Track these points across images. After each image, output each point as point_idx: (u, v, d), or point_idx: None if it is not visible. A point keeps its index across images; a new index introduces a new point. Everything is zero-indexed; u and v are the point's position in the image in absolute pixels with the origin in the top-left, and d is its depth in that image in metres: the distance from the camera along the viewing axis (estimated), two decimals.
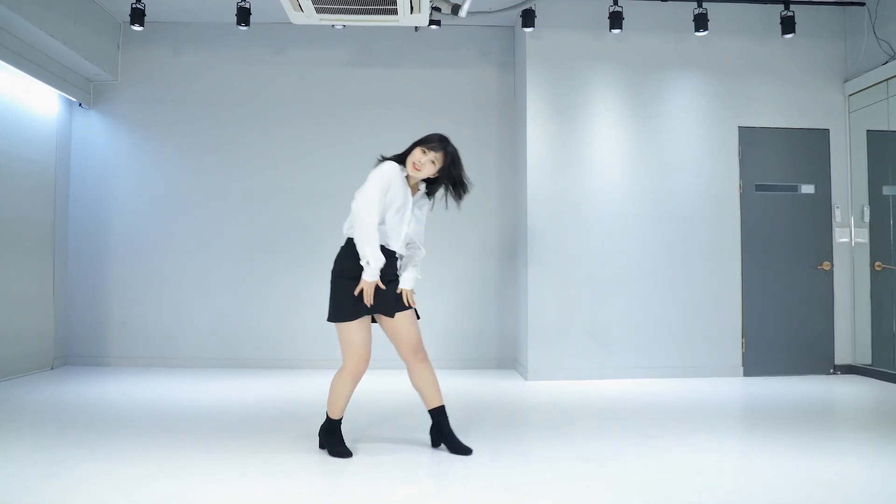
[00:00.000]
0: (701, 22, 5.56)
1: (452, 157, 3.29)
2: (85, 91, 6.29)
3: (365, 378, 3.33)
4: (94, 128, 6.39)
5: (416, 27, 6.25)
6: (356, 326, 3.18)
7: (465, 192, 3.42)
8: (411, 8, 4.79)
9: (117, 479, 2.85)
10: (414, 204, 3.34)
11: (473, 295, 6.33)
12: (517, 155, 6.23)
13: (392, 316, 3.24)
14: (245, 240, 6.31)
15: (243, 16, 5.52)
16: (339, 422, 3.32)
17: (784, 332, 5.90)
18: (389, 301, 3.23)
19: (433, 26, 5.63)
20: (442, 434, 3.36)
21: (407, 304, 3.30)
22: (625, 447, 3.48)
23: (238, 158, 6.36)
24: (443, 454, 3.32)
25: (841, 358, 5.94)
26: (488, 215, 6.37)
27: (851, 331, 5.96)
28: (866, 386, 5.40)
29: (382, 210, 3.17)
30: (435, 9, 5.07)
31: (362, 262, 3.11)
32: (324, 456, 3.27)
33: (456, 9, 4.89)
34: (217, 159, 6.36)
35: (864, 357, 5.93)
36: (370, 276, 3.11)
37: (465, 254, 6.34)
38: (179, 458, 3.19)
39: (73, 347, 6.28)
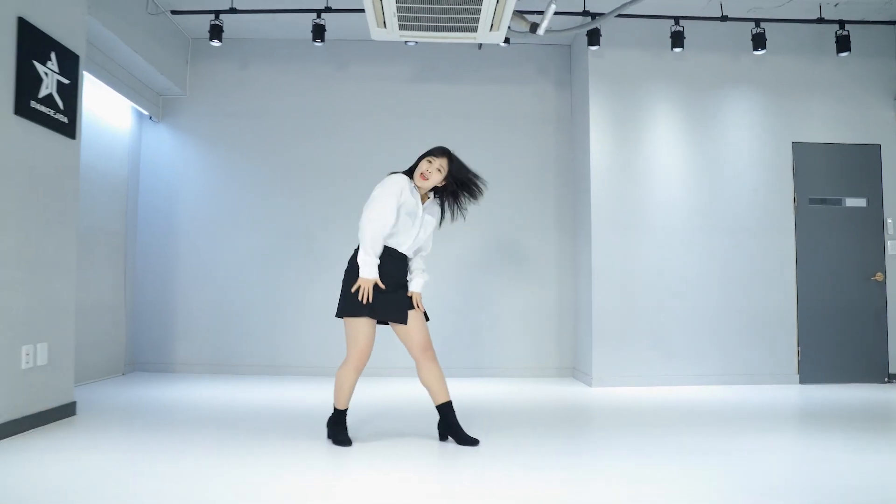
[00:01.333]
0: (759, 41, 5.72)
1: (456, 162, 3.54)
2: (155, 105, 6.44)
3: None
4: (162, 140, 6.53)
5: (479, 45, 6.42)
6: (363, 323, 3.42)
7: (477, 190, 3.64)
8: (491, 26, 4.94)
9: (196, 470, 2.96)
10: (424, 211, 3.56)
11: (533, 305, 6.44)
12: (578, 169, 6.36)
13: (405, 323, 3.49)
14: (308, 250, 6.43)
15: (318, 32, 5.67)
16: (344, 412, 3.56)
17: (839, 341, 6.02)
18: (402, 306, 3.49)
19: (503, 44, 5.77)
20: (449, 427, 3.57)
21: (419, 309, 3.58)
22: (706, 447, 3.59)
23: (301, 171, 6.50)
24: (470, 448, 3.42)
25: None
26: (546, 226, 6.51)
27: None
28: None
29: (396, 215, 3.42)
30: (510, 28, 5.22)
31: (359, 259, 3.40)
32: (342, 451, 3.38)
33: (534, 27, 5.04)
34: (280, 172, 6.49)
35: None
36: (367, 273, 3.37)
37: (524, 265, 6.47)
38: (240, 453, 3.30)
39: (142, 354, 6.38)
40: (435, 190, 3.63)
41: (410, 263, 3.66)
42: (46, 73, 3.91)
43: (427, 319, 3.61)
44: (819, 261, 6.06)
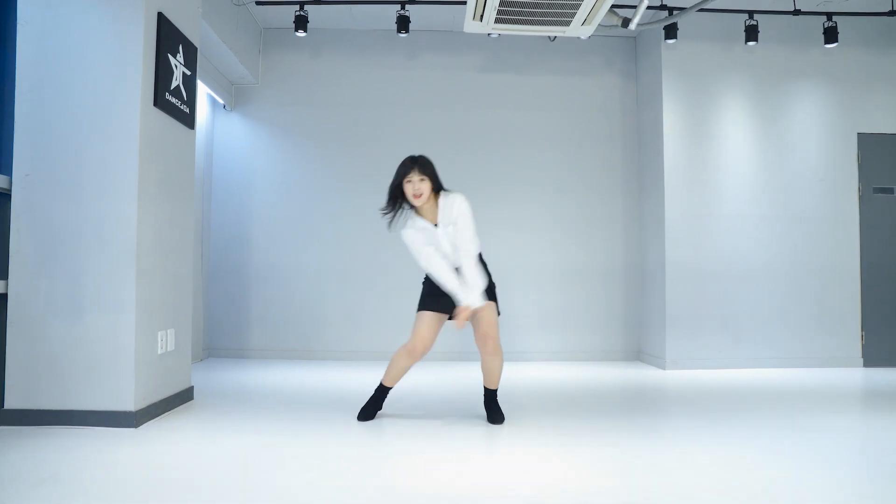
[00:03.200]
0: (831, 35, 5.82)
1: (428, 164, 3.59)
2: (228, 93, 6.47)
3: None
4: (235, 129, 6.57)
5: (552, 37, 6.49)
6: (427, 316, 3.64)
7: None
8: (584, 20, 5.01)
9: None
10: (444, 223, 3.58)
11: (600, 289, 6.56)
12: (648, 160, 6.46)
13: (449, 314, 3.69)
14: (379, 240, 6.49)
15: (403, 24, 5.72)
16: (387, 390, 3.80)
17: None
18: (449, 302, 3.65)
19: (584, 37, 5.83)
20: (489, 406, 3.75)
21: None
22: (743, 434, 3.72)
23: (371, 159, 6.56)
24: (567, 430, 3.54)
25: None
26: (613, 211, 6.62)
27: None
28: None
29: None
30: (601, 24, 5.29)
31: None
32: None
33: (626, 22, 5.11)
34: (351, 160, 6.55)
35: None
36: (465, 301, 3.51)
37: (590, 249, 6.58)
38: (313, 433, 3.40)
39: (219, 340, 6.46)
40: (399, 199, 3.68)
41: (462, 271, 3.61)
42: (176, 66, 3.96)
43: (498, 314, 3.68)
44: (883, 249, 6.20)
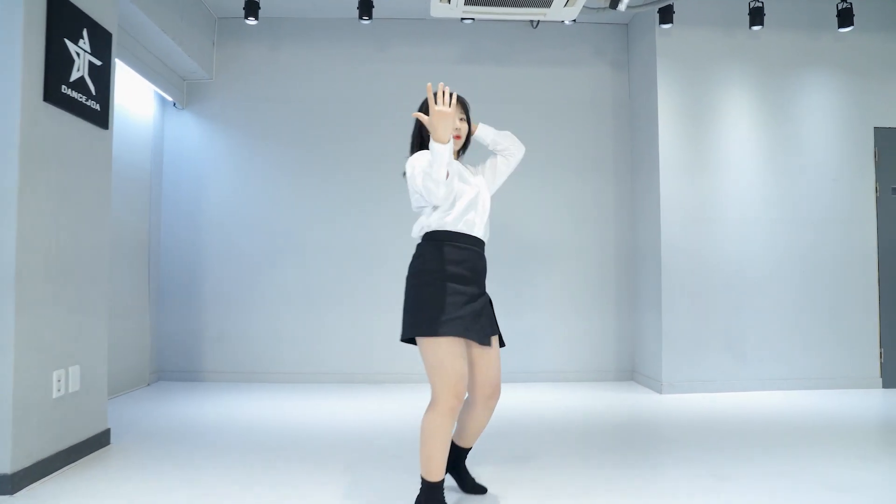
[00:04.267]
0: (846, 17, 5.15)
1: (467, 104, 2.79)
2: (179, 90, 5.81)
3: None
4: (187, 129, 5.91)
5: (534, 23, 5.82)
6: (453, 346, 2.39)
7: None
8: (566, 1, 4.35)
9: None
10: (471, 172, 2.74)
11: (590, 305, 5.90)
12: (642, 157, 5.79)
13: (488, 344, 2.55)
14: (346, 248, 5.85)
15: (366, 8, 5.06)
16: (440, 486, 2.41)
17: None
18: (486, 322, 2.53)
19: (568, 22, 5.18)
20: (457, 469, 2.83)
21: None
22: (748, 468, 3.06)
23: (340, 160, 5.90)
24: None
25: None
26: (605, 220, 5.95)
27: None
28: None
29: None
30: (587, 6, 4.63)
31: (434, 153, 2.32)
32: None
33: (615, 3, 4.44)
34: (317, 161, 5.89)
35: None
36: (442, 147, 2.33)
37: (580, 262, 5.91)
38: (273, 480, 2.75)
39: (169, 362, 5.80)
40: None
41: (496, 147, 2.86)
42: (78, 54, 3.31)
43: (502, 345, 2.71)
44: None
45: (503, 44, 5.99)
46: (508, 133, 2.89)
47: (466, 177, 2.64)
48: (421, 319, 2.42)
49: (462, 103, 2.73)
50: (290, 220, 5.85)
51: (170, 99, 5.72)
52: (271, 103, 5.91)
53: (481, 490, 2.83)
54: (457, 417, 2.48)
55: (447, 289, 2.45)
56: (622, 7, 4.42)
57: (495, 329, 2.64)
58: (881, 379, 5.45)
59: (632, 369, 5.89)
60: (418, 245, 2.62)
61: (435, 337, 2.38)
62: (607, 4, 4.50)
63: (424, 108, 2.61)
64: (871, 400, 5.03)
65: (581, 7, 4.44)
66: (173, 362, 5.79)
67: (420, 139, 2.71)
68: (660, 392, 5.28)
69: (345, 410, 4.64)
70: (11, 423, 2.85)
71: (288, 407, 4.74)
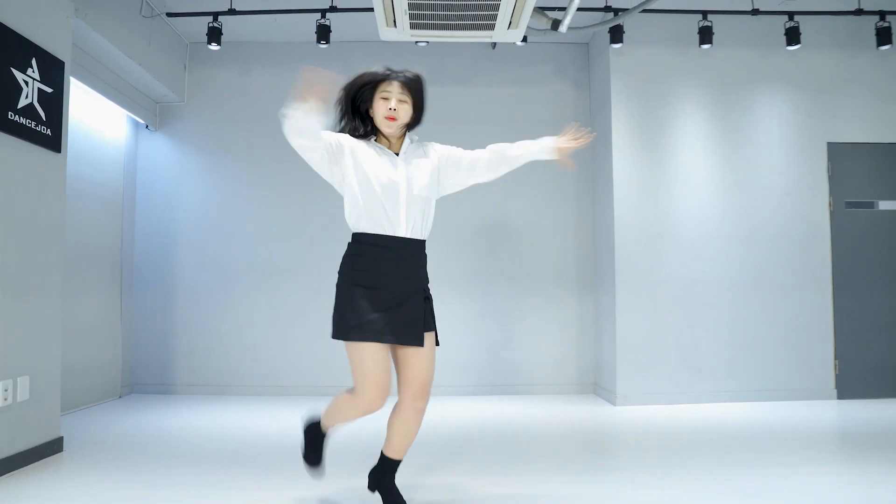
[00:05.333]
0: (793, 36, 5.31)
1: (418, 84, 2.68)
2: (151, 113, 6.07)
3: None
4: (159, 151, 6.16)
5: (493, 44, 6.03)
6: (370, 350, 2.45)
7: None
8: (509, 24, 4.55)
9: None
10: (411, 157, 2.65)
11: (551, 320, 6.05)
12: (599, 175, 5.97)
13: (421, 345, 2.52)
14: (312, 265, 6.05)
15: (323, 33, 5.29)
16: (325, 435, 2.82)
17: (879, 353, 5.61)
18: (416, 323, 2.51)
19: (520, 43, 5.37)
20: (384, 486, 2.71)
21: (424, 332, 2.55)
22: (727, 474, 3.19)
23: (307, 181, 6.09)
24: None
25: None
26: (565, 238, 6.12)
27: None
28: None
29: (354, 195, 2.56)
30: (530, 27, 4.83)
31: (288, 112, 2.47)
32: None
33: (556, 24, 4.64)
34: (286, 182, 6.12)
35: None
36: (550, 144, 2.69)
37: (542, 279, 6.07)
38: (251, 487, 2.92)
39: (140, 376, 6.01)
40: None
41: (509, 153, 2.85)
42: (26, 82, 3.54)
43: (437, 344, 2.66)
44: (857, 268, 5.65)
45: (466, 64, 6.20)
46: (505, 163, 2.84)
47: (384, 170, 2.55)
48: (335, 322, 2.52)
49: (408, 82, 2.62)
50: (259, 238, 6.07)
51: (142, 122, 5.97)
52: (241, 125, 6.15)
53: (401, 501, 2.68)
54: (367, 415, 2.54)
55: (356, 293, 2.48)
56: (563, 29, 4.62)
57: (427, 326, 2.56)
58: (836, 391, 5.55)
59: (593, 382, 6.02)
60: (350, 242, 2.63)
61: (352, 341, 2.45)
62: (549, 27, 4.70)
63: (358, 88, 2.63)
64: (826, 411, 5.13)
65: (524, 29, 4.64)
66: (146, 376, 6.00)
67: (353, 111, 2.65)
68: (614, 404, 5.41)
69: (283, 421, 4.82)
70: None
71: (252, 417, 4.92)
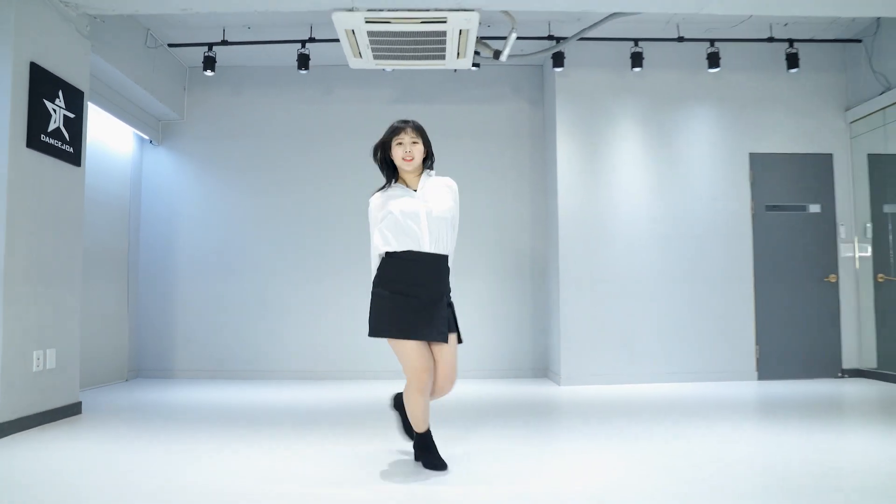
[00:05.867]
0: (714, 60, 6.20)
1: (422, 128, 3.26)
2: (155, 129, 6.99)
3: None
4: (162, 163, 7.08)
5: (454, 69, 6.93)
6: (409, 344, 3.07)
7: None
8: (458, 54, 5.46)
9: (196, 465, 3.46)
10: (427, 193, 3.18)
11: (510, 310, 6.92)
12: (548, 183, 6.85)
13: (445, 341, 3.11)
14: (298, 263, 6.94)
15: (303, 61, 6.20)
16: (427, 434, 3.26)
17: (795, 339, 6.46)
18: (440, 322, 3.09)
19: (473, 68, 6.25)
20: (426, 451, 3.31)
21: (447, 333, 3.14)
22: (650, 433, 4.04)
23: (291, 188, 7.02)
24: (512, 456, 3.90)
25: (848, 363, 6.49)
26: (523, 237, 6.99)
27: (857, 337, 6.51)
28: (872, 387, 5.92)
29: (390, 225, 3.13)
30: (476, 53, 5.72)
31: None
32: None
33: (497, 54, 5.54)
34: (272, 189, 7.02)
35: (870, 361, 6.46)
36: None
37: (501, 272, 6.95)
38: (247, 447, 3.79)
39: (145, 361, 6.91)
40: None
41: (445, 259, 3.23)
42: (55, 110, 4.46)
43: (460, 342, 3.26)
44: (775, 264, 6.51)
45: (433, 86, 7.11)
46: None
47: (405, 204, 3.11)
48: (371, 324, 3.12)
49: (417, 128, 3.21)
50: (250, 239, 6.97)
51: (146, 137, 6.89)
52: (234, 139, 7.07)
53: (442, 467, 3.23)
54: (427, 394, 3.12)
55: (387, 298, 3.09)
56: (503, 58, 5.52)
57: (451, 328, 3.14)
58: (757, 372, 6.40)
59: (545, 367, 6.89)
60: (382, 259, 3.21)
61: (393, 340, 3.08)
62: (492, 56, 5.60)
63: (381, 145, 3.24)
64: (747, 389, 5.97)
65: (471, 58, 5.55)
66: (149, 361, 6.90)
67: (385, 162, 3.25)
68: (559, 384, 6.27)
69: (300, 396, 5.71)
70: (0, 386, 3.94)
71: (242, 394, 5.80)
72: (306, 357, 6.85)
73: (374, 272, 3.21)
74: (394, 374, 6.45)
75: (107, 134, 6.34)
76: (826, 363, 6.49)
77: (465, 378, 6.73)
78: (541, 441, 3.92)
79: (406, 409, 3.18)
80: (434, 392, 3.22)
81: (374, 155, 3.27)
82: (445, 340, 3.10)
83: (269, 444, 3.80)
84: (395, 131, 3.20)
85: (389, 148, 3.20)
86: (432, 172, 3.30)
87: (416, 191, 3.19)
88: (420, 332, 3.05)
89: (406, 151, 3.15)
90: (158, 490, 2.86)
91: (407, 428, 3.43)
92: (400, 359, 3.12)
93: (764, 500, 2.71)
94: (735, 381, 6.36)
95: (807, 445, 3.69)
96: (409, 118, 3.30)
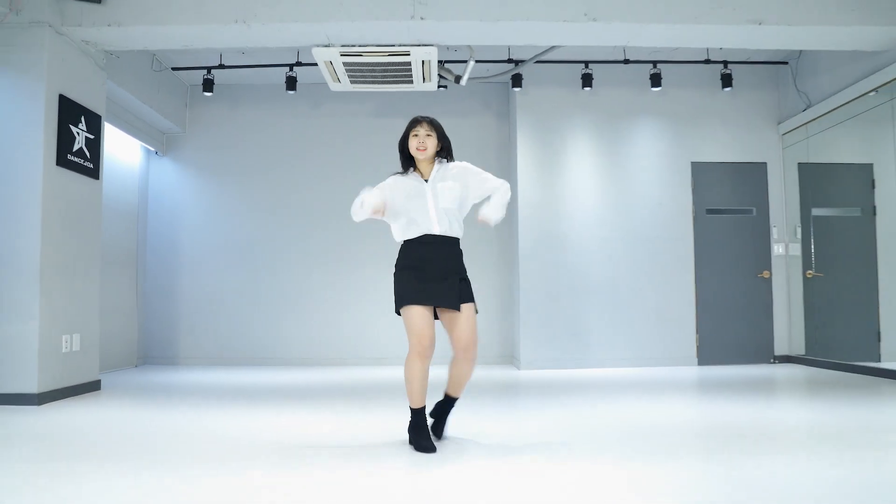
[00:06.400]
0: (656, 80, 7.09)
1: (438, 123, 3.57)
2: (160, 142, 7.93)
3: None
4: (166, 171, 8.02)
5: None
6: (415, 310, 3.33)
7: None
8: (423, 78, 6.37)
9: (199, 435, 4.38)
10: (437, 181, 3.49)
11: (479, 303, 7.82)
12: (511, 188, 7.76)
13: (457, 308, 3.39)
14: (289, 260, 7.87)
15: (291, 83, 7.13)
16: (421, 411, 3.41)
17: (731, 328, 7.37)
18: (452, 293, 3.38)
19: (441, 88, 7.16)
20: (439, 415, 3.65)
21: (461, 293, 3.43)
22: (597, 405, 4.95)
23: (283, 194, 7.95)
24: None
25: (780, 349, 7.39)
26: (490, 239, 7.91)
27: (788, 327, 7.41)
28: (801, 371, 6.80)
29: (400, 211, 3.49)
30: (441, 76, 6.63)
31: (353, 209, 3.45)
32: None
33: (458, 79, 6.46)
34: (266, 194, 7.95)
35: (799, 348, 7.36)
36: (360, 206, 3.42)
37: (470, 268, 7.84)
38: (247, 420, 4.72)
39: (152, 349, 7.86)
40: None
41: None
42: (78, 133, 5.39)
43: (476, 312, 3.52)
44: (714, 262, 7.42)
45: (410, 101, 8.02)
46: (502, 198, 3.61)
47: (414, 188, 3.47)
48: (396, 300, 3.46)
49: (432, 123, 3.52)
50: (246, 239, 7.91)
51: (152, 149, 7.84)
52: (231, 150, 8.00)
53: (436, 437, 3.57)
54: (426, 362, 3.37)
55: (406, 275, 3.42)
56: (463, 82, 6.44)
57: (464, 299, 3.42)
58: (697, 358, 7.30)
59: (511, 354, 7.81)
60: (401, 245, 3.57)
61: (403, 307, 3.40)
62: (454, 80, 6.51)
63: (403, 138, 3.55)
64: (688, 372, 6.86)
65: (436, 81, 6.46)
66: (155, 349, 7.85)
67: (403, 153, 3.57)
68: (518, 368, 7.19)
69: (292, 378, 6.64)
70: (37, 364, 4.88)
71: (240, 377, 6.74)
72: (298, 345, 7.78)
73: (353, 213, 3.48)
74: (376, 362, 7.40)
75: (118, 147, 7.27)
76: (760, 350, 7.40)
77: (439, 363, 7.65)
78: (503, 411, 4.82)
79: (405, 377, 3.39)
80: (456, 361, 3.48)
81: (400, 147, 3.59)
82: (457, 307, 3.38)
83: (263, 412, 4.73)
84: (412, 124, 3.52)
85: (408, 139, 3.52)
86: (445, 161, 3.58)
87: (427, 180, 3.50)
88: (428, 298, 3.34)
89: (420, 142, 3.46)
90: (171, 439, 3.78)
91: (419, 443, 3.40)
92: (406, 326, 3.37)
93: (683, 445, 3.50)
94: (677, 366, 7.26)
95: (730, 412, 4.46)
96: (423, 116, 3.58)
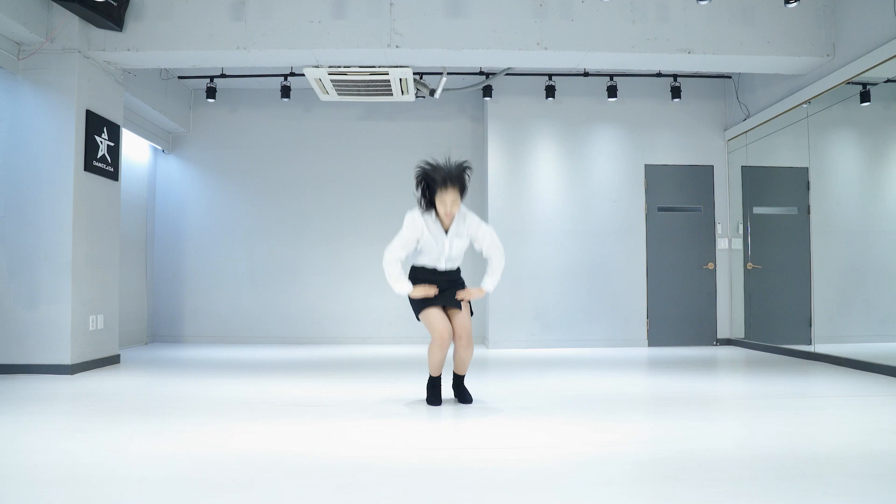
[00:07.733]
0: (612, 91, 8.12)
1: (466, 189, 4.18)
2: (166, 141, 8.97)
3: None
4: (172, 168, 9.08)
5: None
6: (433, 312, 4.24)
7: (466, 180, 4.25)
8: (401, 91, 7.41)
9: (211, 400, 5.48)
10: (454, 236, 4.26)
11: None
12: (482, 188, 8.83)
13: (459, 308, 4.34)
14: (282, 248, 8.95)
15: (285, 92, 8.16)
16: (437, 379, 4.47)
17: (679, 314, 8.46)
18: (451, 298, 4.33)
19: (418, 98, 8.19)
20: (458, 389, 4.58)
21: (461, 300, 4.35)
22: (556, 379, 6.04)
23: (277, 187, 9.01)
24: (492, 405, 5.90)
25: (722, 333, 8.49)
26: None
27: (729, 313, 8.50)
28: (740, 352, 7.87)
29: (417, 247, 4.31)
30: (418, 89, 7.66)
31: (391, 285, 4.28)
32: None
33: (432, 92, 7.49)
34: (262, 189, 9.02)
35: (739, 332, 8.45)
36: (401, 292, 4.27)
37: None
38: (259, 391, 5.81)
39: (159, 328, 8.96)
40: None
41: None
42: (101, 142, 6.44)
43: (472, 314, 4.46)
44: (664, 254, 8.49)
45: (393, 106, 9.05)
46: (499, 270, 4.44)
47: (435, 235, 4.21)
48: (414, 309, 4.41)
49: (461, 189, 4.14)
50: (244, 228, 8.98)
51: (159, 148, 8.88)
52: (231, 149, 9.05)
53: (468, 399, 4.51)
54: (446, 350, 4.26)
55: (419, 288, 4.27)
56: (437, 95, 7.47)
57: (459, 304, 4.36)
58: (647, 340, 8.40)
59: (482, 336, 8.90)
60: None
61: (422, 312, 4.31)
62: (428, 93, 7.54)
63: (425, 189, 4.19)
64: (639, 352, 7.94)
65: (413, 94, 7.50)
66: (163, 328, 8.94)
67: (426, 197, 4.20)
68: (487, 347, 8.29)
69: (267, 356, 7.73)
70: (70, 340, 5.97)
71: (240, 353, 7.82)
72: (293, 324, 8.87)
73: (385, 268, 4.25)
74: (362, 340, 8.49)
75: (130, 147, 8.32)
76: (704, 333, 8.50)
77: (416, 344, 8.77)
78: (480, 381, 5.89)
79: (428, 359, 4.37)
80: (457, 349, 4.37)
81: (418, 184, 4.19)
82: (459, 307, 4.36)
83: (262, 381, 5.82)
84: (443, 186, 4.05)
85: (434, 193, 4.11)
86: (465, 213, 4.29)
87: (447, 231, 4.25)
88: (440, 301, 4.29)
89: (447, 210, 4.12)
90: (186, 398, 4.87)
91: (430, 398, 4.47)
92: (428, 325, 4.27)
93: (636, 409, 4.46)
94: (629, 347, 8.36)
95: (676, 384, 5.43)
96: (457, 172, 4.13)
